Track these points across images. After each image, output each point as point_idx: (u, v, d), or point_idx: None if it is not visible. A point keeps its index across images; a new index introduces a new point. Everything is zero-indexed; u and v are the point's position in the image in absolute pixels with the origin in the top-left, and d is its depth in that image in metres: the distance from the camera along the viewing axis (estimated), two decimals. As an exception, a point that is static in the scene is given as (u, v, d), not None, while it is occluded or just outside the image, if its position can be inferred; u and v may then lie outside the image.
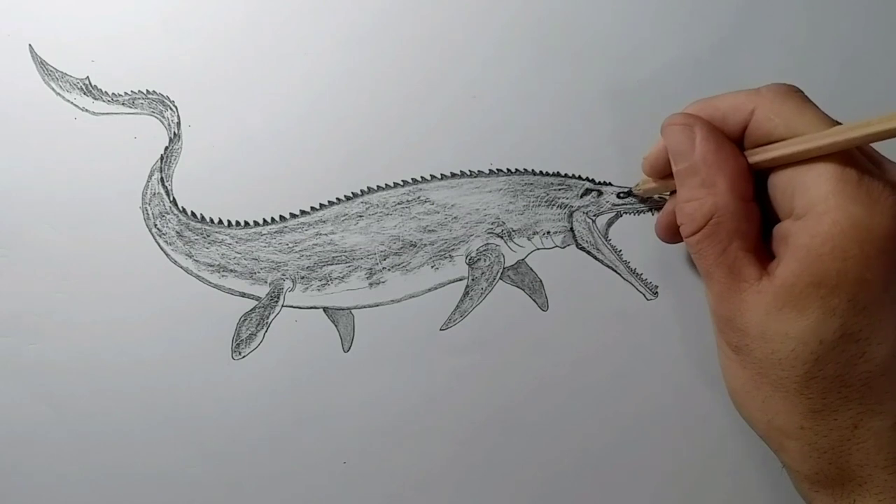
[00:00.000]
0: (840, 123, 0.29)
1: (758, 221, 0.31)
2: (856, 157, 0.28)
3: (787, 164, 0.30)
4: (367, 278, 0.39)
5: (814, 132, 0.28)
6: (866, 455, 0.29)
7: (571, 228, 0.40)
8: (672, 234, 0.35)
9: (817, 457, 0.30)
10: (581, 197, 0.40)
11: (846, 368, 0.28)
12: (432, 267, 0.40)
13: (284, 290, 0.39)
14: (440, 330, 0.39)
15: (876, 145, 0.30)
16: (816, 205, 0.28)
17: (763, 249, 0.31)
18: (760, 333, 0.29)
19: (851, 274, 0.27)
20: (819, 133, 0.28)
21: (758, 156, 0.31)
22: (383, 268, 0.40)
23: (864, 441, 0.29)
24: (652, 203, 0.40)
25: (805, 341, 0.28)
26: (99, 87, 0.39)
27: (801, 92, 0.31)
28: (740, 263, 0.30)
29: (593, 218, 0.40)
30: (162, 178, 0.39)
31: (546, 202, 0.40)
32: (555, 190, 0.40)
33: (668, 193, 0.37)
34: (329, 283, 0.39)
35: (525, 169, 0.40)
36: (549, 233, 0.40)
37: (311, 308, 0.39)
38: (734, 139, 0.31)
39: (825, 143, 0.28)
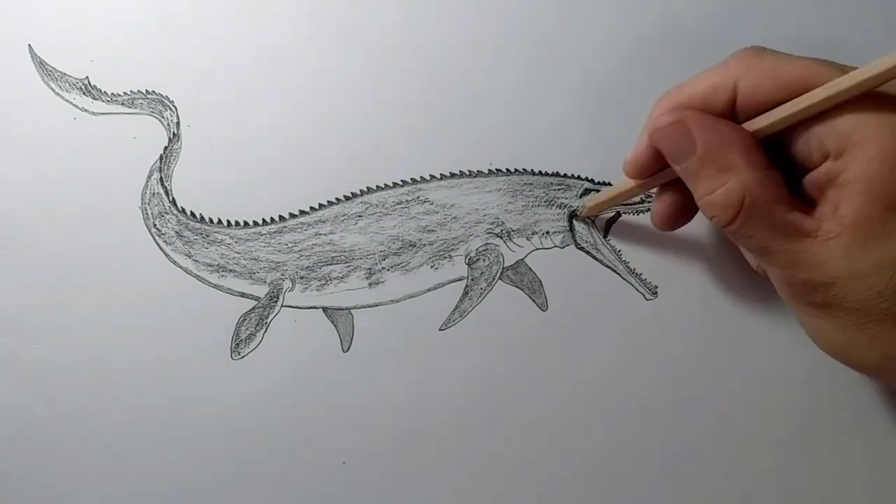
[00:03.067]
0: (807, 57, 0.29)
1: (783, 181, 0.30)
2: (875, 92, 0.28)
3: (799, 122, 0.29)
4: (367, 278, 0.39)
5: (805, 77, 0.28)
6: None
7: (571, 228, 0.40)
8: (671, 222, 0.35)
9: None
10: (580, 197, 0.40)
11: None
12: (432, 267, 0.40)
13: (284, 290, 0.39)
14: (439, 330, 0.39)
15: None
16: (856, 135, 0.28)
17: (800, 203, 0.30)
18: (850, 276, 0.29)
19: None
20: (828, 84, 0.28)
21: (764, 122, 0.30)
22: (382, 268, 0.40)
23: None
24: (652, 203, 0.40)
25: None
26: (98, 87, 0.40)
27: (765, 47, 0.30)
28: (795, 224, 0.29)
29: (593, 218, 0.40)
30: (161, 177, 0.39)
31: (545, 202, 0.40)
32: (554, 190, 0.40)
33: (653, 190, 0.37)
34: (328, 283, 0.39)
35: (524, 169, 0.40)
36: (548, 233, 0.40)
37: (311, 308, 0.39)
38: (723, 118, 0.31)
39: (850, 86, 0.27)
